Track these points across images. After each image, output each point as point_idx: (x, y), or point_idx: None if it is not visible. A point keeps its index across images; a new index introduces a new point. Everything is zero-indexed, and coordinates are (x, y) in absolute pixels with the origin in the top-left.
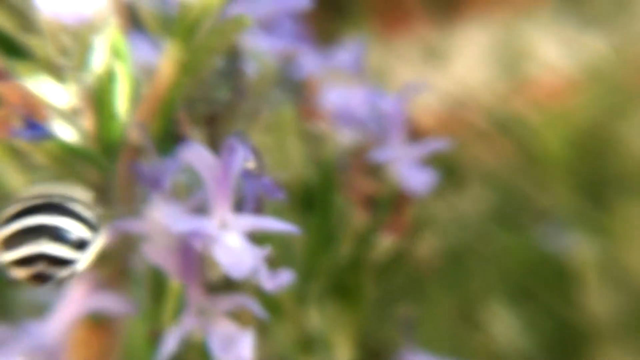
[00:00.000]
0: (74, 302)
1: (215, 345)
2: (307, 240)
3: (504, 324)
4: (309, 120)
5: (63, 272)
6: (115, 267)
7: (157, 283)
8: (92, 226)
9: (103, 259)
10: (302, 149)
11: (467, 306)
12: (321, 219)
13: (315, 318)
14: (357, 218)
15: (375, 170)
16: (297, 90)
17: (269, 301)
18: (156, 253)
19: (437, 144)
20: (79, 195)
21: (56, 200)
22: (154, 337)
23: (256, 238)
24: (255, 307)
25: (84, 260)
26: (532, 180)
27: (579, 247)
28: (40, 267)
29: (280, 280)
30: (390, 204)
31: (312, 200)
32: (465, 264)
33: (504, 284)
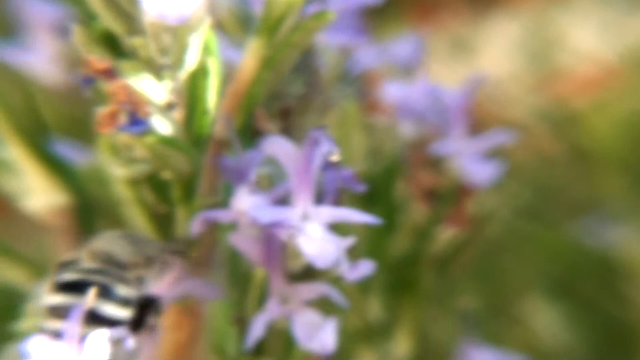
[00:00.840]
0: (165, 289)
1: (299, 333)
2: (369, 233)
3: (545, 319)
4: (371, 114)
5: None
6: (202, 255)
7: (238, 271)
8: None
9: (190, 245)
10: (364, 142)
11: (503, 301)
12: (383, 212)
13: (377, 309)
14: (418, 211)
15: (436, 163)
16: (357, 84)
17: (323, 302)
18: (242, 242)
19: (499, 137)
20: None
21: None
22: (239, 323)
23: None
24: (336, 295)
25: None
26: (573, 172)
27: (627, 241)
28: None
29: (361, 271)
30: (451, 197)
31: (374, 192)
32: (498, 259)
33: (542, 279)
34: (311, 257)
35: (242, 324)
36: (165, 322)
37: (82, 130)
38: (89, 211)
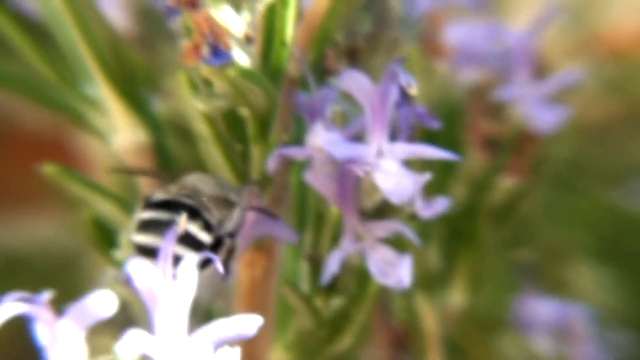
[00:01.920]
0: (244, 228)
1: (374, 269)
2: (427, 183)
3: (590, 283)
4: (432, 58)
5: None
6: (277, 191)
7: (309, 210)
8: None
9: (266, 184)
10: (425, 87)
11: (548, 265)
12: (442, 161)
13: (435, 259)
14: (477, 160)
15: (497, 110)
16: (419, 27)
17: (394, 241)
18: (317, 179)
19: (566, 78)
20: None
21: (194, 203)
22: (312, 261)
23: None
24: (409, 233)
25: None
26: (627, 134)
27: None
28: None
29: (436, 208)
30: (512, 145)
31: (434, 140)
32: (540, 226)
33: (587, 244)
34: (387, 193)
35: (315, 261)
36: (240, 260)
37: (148, 79)
38: (167, 151)
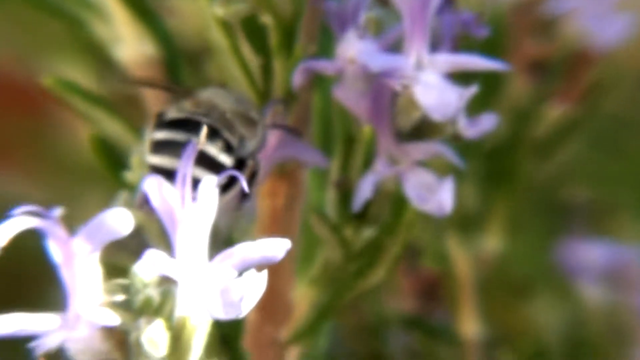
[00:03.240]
0: (267, 150)
1: (412, 194)
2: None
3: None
4: None
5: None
6: (301, 111)
7: (329, 129)
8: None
9: (290, 102)
10: (469, 4)
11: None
12: (485, 85)
13: (471, 197)
14: (521, 86)
15: (547, 27)
16: None
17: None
18: (348, 95)
19: None
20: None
21: (212, 121)
22: (341, 187)
23: None
24: (452, 155)
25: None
26: None
27: None
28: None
29: (483, 126)
30: (563, 67)
31: None
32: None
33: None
34: (428, 108)
35: (344, 188)
36: (263, 189)
37: None
38: (177, 64)
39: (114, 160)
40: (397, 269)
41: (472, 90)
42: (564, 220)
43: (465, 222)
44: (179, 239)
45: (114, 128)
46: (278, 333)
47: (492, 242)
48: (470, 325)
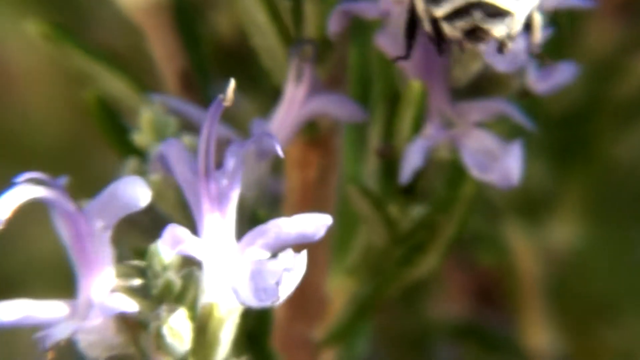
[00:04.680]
0: (293, 105)
1: (471, 162)
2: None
3: None
4: None
5: (497, 29)
6: (335, 64)
7: (368, 87)
8: None
9: (323, 52)
10: None
11: None
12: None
13: (538, 175)
14: (602, 33)
15: None
16: None
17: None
18: (392, 44)
19: None
20: None
21: None
22: (385, 154)
23: None
24: (517, 114)
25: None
26: None
27: None
28: (474, 19)
29: (558, 79)
30: None
31: None
32: None
33: None
34: (492, 59)
35: (388, 157)
36: (291, 159)
37: None
38: (186, 9)
39: (118, 123)
40: (448, 264)
41: (548, 33)
42: None
43: (530, 205)
44: (202, 214)
45: (117, 86)
46: (311, 332)
47: (565, 232)
48: (538, 336)
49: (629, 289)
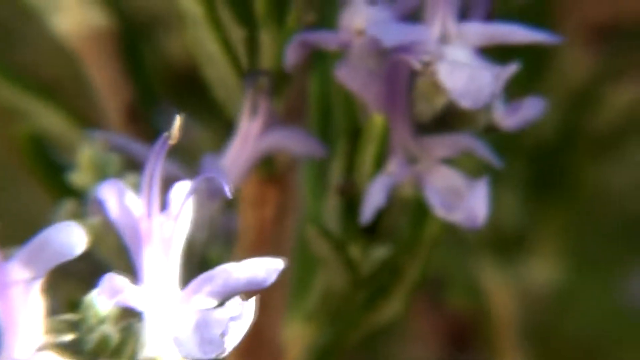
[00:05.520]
0: (248, 140)
1: (435, 201)
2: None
3: None
4: None
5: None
6: (294, 97)
7: (330, 119)
8: None
9: (280, 84)
10: None
11: None
12: (524, 63)
13: (511, 211)
14: (579, 61)
15: None
16: None
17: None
18: (354, 77)
19: None
20: None
21: None
22: (346, 192)
23: None
24: (486, 151)
25: None
26: None
27: None
28: None
29: (525, 114)
30: (636, 35)
31: None
32: None
33: None
34: (456, 93)
35: (349, 195)
36: (246, 197)
37: None
38: (132, 36)
39: (52, 162)
40: (415, 305)
41: (512, 69)
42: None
43: (504, 242)
44: (144, 260)
45: (52, 120)
46: None
47: (542, 270)
48: None
49: (609, 331)
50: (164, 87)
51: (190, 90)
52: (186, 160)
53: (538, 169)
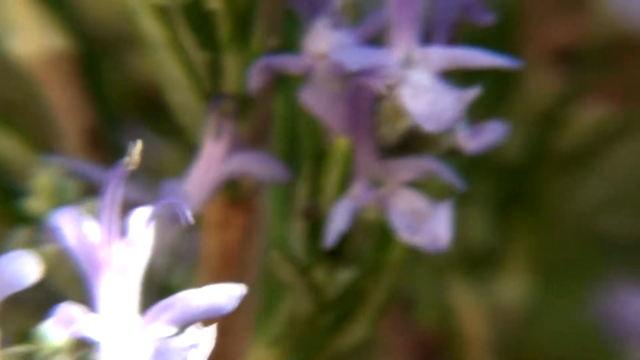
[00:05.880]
0: (211, 164)
1: (399, 225)
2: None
3: None
4: None
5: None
6: (258, 120)
7: (296, 142)
8: None
9: (244, 108)
10: None
11: None
12: (489, 83)
13: (480, 230)
14: (544, 82)
15: (578, 5)
16: None
17: (426, 188)
18: (317, 100)
19: None
20: None
21: None
22: (310, 216)
23: None
24: (449, 174)
25: None
26: None
27: None
28: None
29: (487, 138)
30: (602, 56)
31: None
32: None
33: None
34: (419, 116)
35: (314, 218)
36: (211, 220)
37: None
38: (93, 60)
39: (6, 188)
40: (385, 325)
41: (474, 92)
42: (606, 260)
43: (473, 261)
44: (101, 289)
45: (6, 144)
46: None
47: (512, 288)
48: None
49: (577, 347)
50: (131, 107)
51: (158, 111)
52: (154, 181)
53: (506, 188)
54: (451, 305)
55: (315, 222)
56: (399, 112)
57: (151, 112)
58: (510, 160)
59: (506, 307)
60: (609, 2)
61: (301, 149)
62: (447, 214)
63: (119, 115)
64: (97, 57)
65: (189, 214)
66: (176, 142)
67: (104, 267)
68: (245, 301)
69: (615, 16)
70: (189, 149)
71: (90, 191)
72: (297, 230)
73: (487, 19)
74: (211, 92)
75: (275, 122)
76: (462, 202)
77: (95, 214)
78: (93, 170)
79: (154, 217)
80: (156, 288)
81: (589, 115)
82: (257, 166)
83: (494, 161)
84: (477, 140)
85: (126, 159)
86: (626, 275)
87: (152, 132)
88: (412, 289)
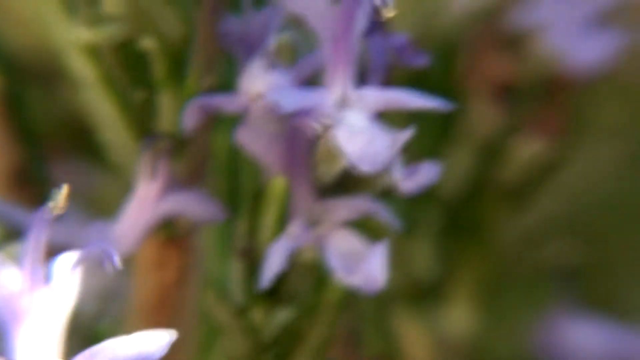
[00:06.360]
0: (145, 204)
1: (335, 265)
2: (412, 148)
3: None
4: None
5: None
6: (195, 159)
7: (234, 181)
8: None
9: (180, 147)
10: (409, 13)
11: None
12: (434, 118)
13: (425, 261)
14: (485, 116)
15: (514, 43)
16: None
17: (364, 228)
18: (253, 140)
19: None
20: None
21: None
22: (247, 256)
23: None
24: (385, 214)
25: None
26: None
27: None
28: None
29: (423, 178)
30: (537, 92)
31: (421, 88)
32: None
33: None
34: (354, 157)
35: (251, 258)
36: (146, 259)
37: None
38: (19, 92)
39: None
40: (333, 356)
41: (408, 134)
42: (549, 289)
43: (418, 292)
44: (20, 338)
45: None
46: None
47: (457, 318)
48: None
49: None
50: (65, 139)
51: (94, 143)
52: (91, 213)
53: (450, 219)
54: (396, 335)
55: (252, 262)
56: (335, 152)
57: (87, 143)
58: (454, 192)
59: (451, 336)
60: (542, 42)
61: (241, 187)
62: (383, 254)
63: (52, 147)
64: (24, 91)
65: (116, 259)
66: (113, 174)
67: (23, 316)
68: (181, 343)
69: (547, 55)
70: (125, 182)
71: (16, 234)
72: (234, 271)
73: (421, 61)
74: (145, 131)
75: (215, 159)
76: (406, 233)
77: (18, 259)
78: (16, 213)
79: (80, 261)
80: (83, 335)
81: (527, 148)
82: (193, 206)
83: (437, 192)
84: (412, 180)
85: (51, 204)
86: (570, 304)
87: (88, 164)
88: (356, 321)
